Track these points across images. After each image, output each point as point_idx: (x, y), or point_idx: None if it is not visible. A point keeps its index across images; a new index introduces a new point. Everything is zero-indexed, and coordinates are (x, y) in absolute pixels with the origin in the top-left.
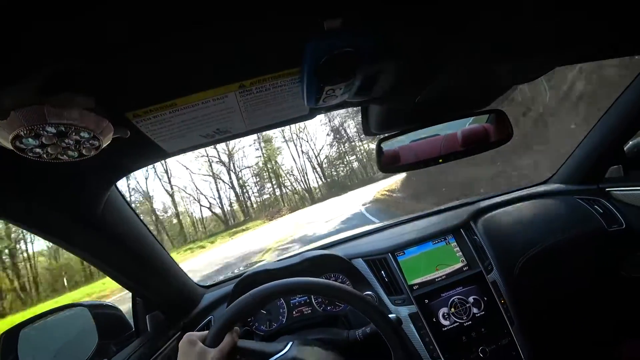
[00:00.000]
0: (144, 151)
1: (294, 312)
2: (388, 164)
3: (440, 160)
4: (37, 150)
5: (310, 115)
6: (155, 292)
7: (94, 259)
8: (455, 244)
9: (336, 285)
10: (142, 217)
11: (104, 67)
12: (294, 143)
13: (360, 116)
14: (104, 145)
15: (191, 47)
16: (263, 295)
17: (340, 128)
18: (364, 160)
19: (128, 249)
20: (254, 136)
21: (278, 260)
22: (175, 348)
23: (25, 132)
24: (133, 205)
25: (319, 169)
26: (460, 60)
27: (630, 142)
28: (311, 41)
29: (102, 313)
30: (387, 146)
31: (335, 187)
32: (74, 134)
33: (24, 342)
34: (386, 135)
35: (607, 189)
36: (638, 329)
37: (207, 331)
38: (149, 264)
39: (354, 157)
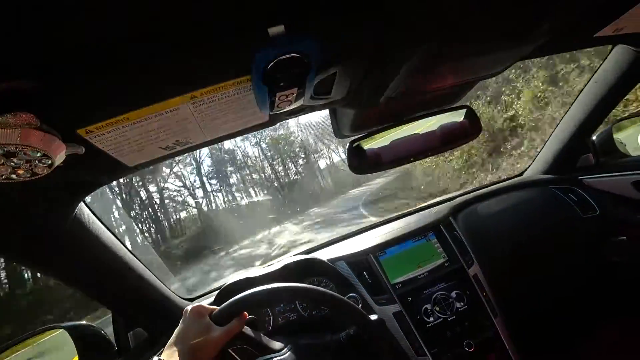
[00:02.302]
0: (105, 167)
1: (280, 319)
2: (363, 165)
3: (412, 159)
4: None
5: (271, 122)
6: (135, 309)
7: (63, 278)
8: (435, 240)
9: (333, 295)
10: (116, 233)
11: (50, 84)
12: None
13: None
14: (58, 163)
15: (137, 60)
16: (281, 292)
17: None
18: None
19: (101, 266)
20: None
21: (259, 267)
22: None
23: None
24: None
25: None
26: (414, 58)
27: (598, 131)
28: (257, 48)
29: (82, 334)
30: (360, 148)
31: None
32: (22, 153)
33: None
34: (357, 136)
35: (579, 177)
36: (617, 310)
37: (215, 306)
38: (125, 281)
39: None
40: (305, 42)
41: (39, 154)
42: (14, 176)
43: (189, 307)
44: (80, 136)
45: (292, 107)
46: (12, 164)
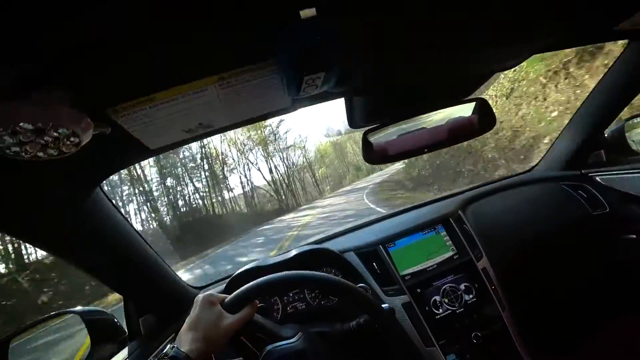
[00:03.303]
0: (127, 149)
1: (289, 308)
2: (375, 156)
3: (426, 150)
4: (15, 148)
5: (292, 107)
6: (146, 295)
7: (77, 261)
8: (445, 233)
9: (346, 283)
10: (130, 219)
11: (81, 63)
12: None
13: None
14: (84, 142)
15: (168, 40)
16: (293, 279)
17: None
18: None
19: (114, 251)
20: None
21: (270, 257)
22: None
23: (1, 130)
24: None
25: None
26: (435, 49)
27: (611, 128)
28: (288, 31)
29: (94, 319)
30: (373, 138)
31: None
32: (52, 130)
33: (15, 354)
34: (372, 127)
35: (590, 174)
36: (624, 308)
37: (226, 295)
38: (137, 267)
39: None
40: (336, 25)
41: (67, 132)
42: (41, 154)
43: (200, 296)
44: (107, 115)
45: (316, 91)
46: (42, 141)
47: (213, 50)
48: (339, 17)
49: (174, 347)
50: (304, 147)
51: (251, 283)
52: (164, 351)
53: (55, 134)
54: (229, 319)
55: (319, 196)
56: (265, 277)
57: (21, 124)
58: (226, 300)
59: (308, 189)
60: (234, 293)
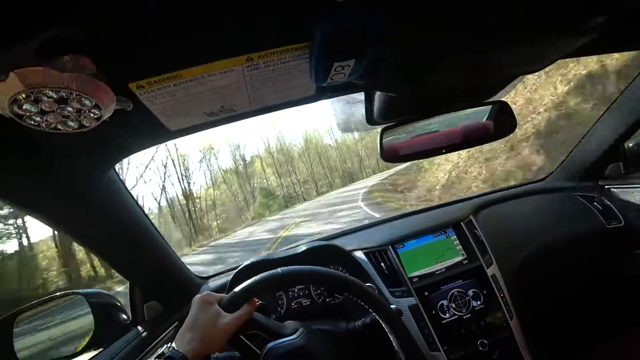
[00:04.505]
0: (146, 129)
1: (293, 304)
2: (391, 154)
3: (444, 151)
4: (36, 118)
5: (316, 96)
6: (152, 281)
7: (88, 243)
8: (455, 237)
9: (356, 281)
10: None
11: (107, 34)
12: None
13: None
14: (106, 117)
15: (196, 16)
16: (290, 275)
17: None
18: None
19: (124, 235)
20: None
21: (279, 251)
22: (172, 338)
23: (24, 96)
24: None
25: None
26: (461, 48)
27: (632, 140)
28: (323, 15)
29: (99, 302)
30: (390, 136)
31: None
32: (75, 101)
33: (20, 330)
34: (389, 124)
35: (606, 186)
36: (629, 322)
37: (224, 294)
38: (145, 252)
39: None
40: (371, 12)
41: (90, 104)
42: (60, 126)
43: (197, 296)
44: (131, 90)
45: (343, 80)
46: (64, 112)
47: (244, 28)
48: (377, 5)
49: (171, 347)
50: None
51: (249, 280)
52: (161, 351)
53: (77, 105)
54: (226, 319)
55: None
56: (263, 274)
57: (45, 90)
58: (224, 299)
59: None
60: (232, 291)
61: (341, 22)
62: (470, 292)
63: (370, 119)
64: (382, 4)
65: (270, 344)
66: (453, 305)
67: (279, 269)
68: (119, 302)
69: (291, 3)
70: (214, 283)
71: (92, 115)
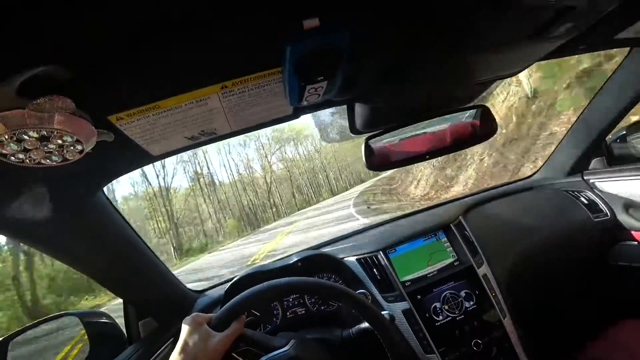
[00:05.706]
0: (129, 155)
1: (288, 314)
2: (376, 162)
3: (427, 157)
4: (20, 155)
5: (295, 115)
6: (146, 298)
7: (80, 266)
8: (445, 239)
9: (346, 290)
10: (131, 223)
11: (85, 70)
12: None
13: None
14: (88, 150)
15: (171, 50)
16: (278, 288)
17: None
18: None
19: (116, 255)
20: None
21: (271, 262)
22: (169, 354)
23: (7, 137)
24: None
25: None
26: (437, 55)
27: (612, 134)
28: (291, 41)
29: (93, 322)
30: (374, 145)
31: None
32: (56, 138)
33: (15, 354)
34: (373, 133)
35: (591, 180)
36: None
37: (213, 314)
38: (138, 270)
39: None
40: (338, 34)
41: (71, 140)
42: (44, 161)
43: (187, 318)
44: (111, 123)
45: (318, 100)
46: (46, 148)
47: (217, 59)
48: (342, 27)
49: None
50: None
51: (237, 297)
52: None
53: (59, 141)
54: (216, 338)
55: None
56: (251, 289)
57: (26, 131)
58: (213, 318)
59: None
60: (220, 310)
61: (309, 46)
62: (463, 293)
63: (354, 129)
64: (349, 25)
65: (263, 358)
66: (446, 307)
67: (264, 283)
68: (114, 321)
69: (260, 31)
70: (208, 297)
71: (74, 149)
